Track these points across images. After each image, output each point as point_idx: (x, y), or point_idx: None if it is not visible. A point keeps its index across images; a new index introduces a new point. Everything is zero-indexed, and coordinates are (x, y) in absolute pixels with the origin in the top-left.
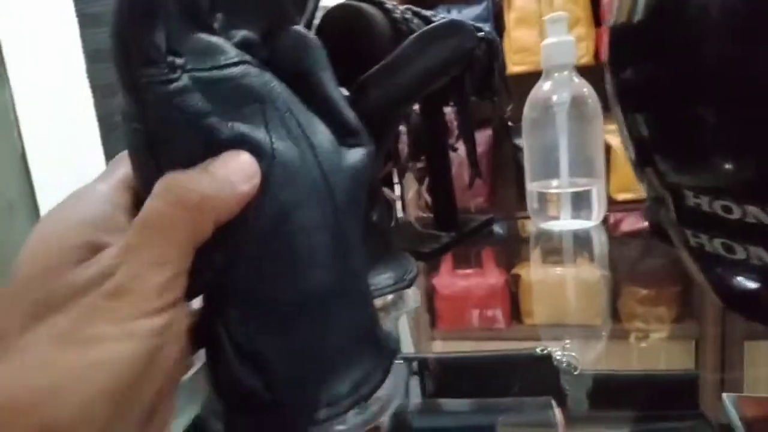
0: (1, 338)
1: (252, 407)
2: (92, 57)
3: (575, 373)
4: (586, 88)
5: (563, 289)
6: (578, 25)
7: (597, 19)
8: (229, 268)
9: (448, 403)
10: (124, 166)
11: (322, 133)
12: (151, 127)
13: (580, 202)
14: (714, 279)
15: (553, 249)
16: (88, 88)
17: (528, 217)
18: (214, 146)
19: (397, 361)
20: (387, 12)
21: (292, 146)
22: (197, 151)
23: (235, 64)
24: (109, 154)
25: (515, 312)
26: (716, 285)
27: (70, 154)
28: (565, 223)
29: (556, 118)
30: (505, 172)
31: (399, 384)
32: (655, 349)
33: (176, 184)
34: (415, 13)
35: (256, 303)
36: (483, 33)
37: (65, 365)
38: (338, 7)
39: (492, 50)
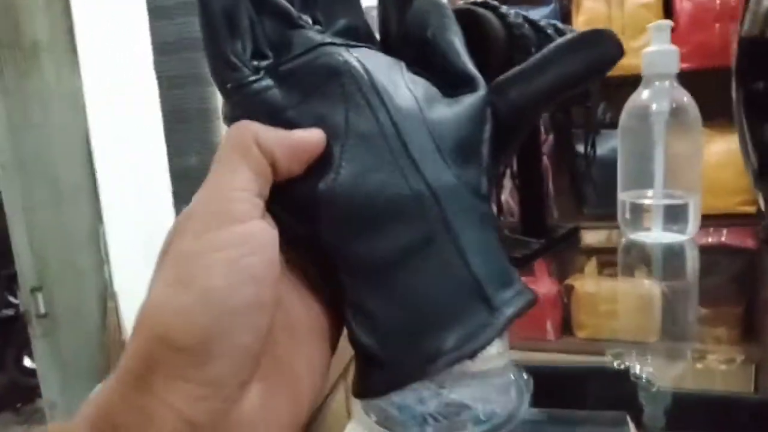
0: None
1: (371, 366)
2: (160, 49)
3: (653, 389)
4: (686, 98)
5: (618, 302)
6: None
7: None
8: (321, 234)
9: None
10: None
11: (406, 95)
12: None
13: (674, 215)
14: None
15: (637, 261)
16: (155, 79)
17: (616, 227)
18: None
19: (525, 376)
20: (502, 17)
21: (370, 115)
22: None
23: (314, 48)
24: (171, 144)
25: (566, 324)
26: None
27: (133, 143)
28: (657, 235)
29: (654, 127)
30: (563, 178)
31: (524, 398)
32: (712, 370)
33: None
34: (525, 18)
35: (356, 265)
36: None
37: (164, 287)
38: (455, 11)
39: None
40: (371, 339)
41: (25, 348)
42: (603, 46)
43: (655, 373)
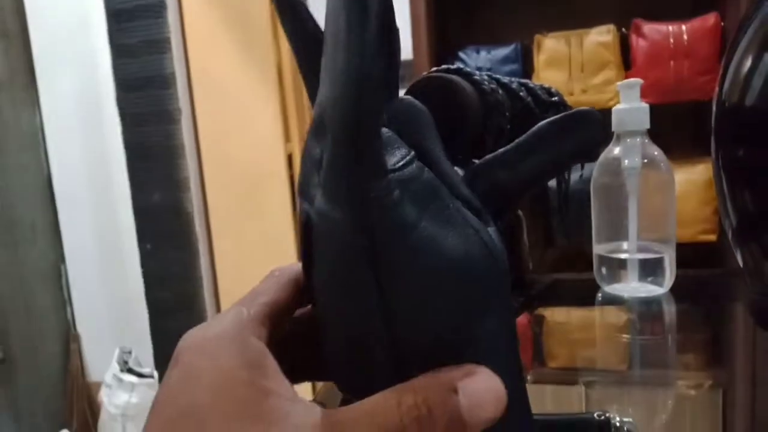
0: None
1: None
2: (123, 86)
3: None
4: (657, 152)
5: (588, 331)
6: (607, 68)
7: (626, 63)
8: None
9: None
10: (268, 294)
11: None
12: (377, 242)
13: (650, 269)
14: None
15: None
16: (117, 117)
17: (590, 279)
18: (431, 256)
19: None
20: (476, 84)
21: (471, 237)
22: (414, 260)
23: (411, 160)
24: (134, 181)
25: (538, 354)
26: None
27: (95, 180)
28: (633, 289)
29: (627, 182)
30: (534, 215)
31: None
32: (682, 396)
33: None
34: (498, 82)
35: None
36: (556, 99)
37: None
38: (428, 79)
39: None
40: None
41: None
42: (588, 128)
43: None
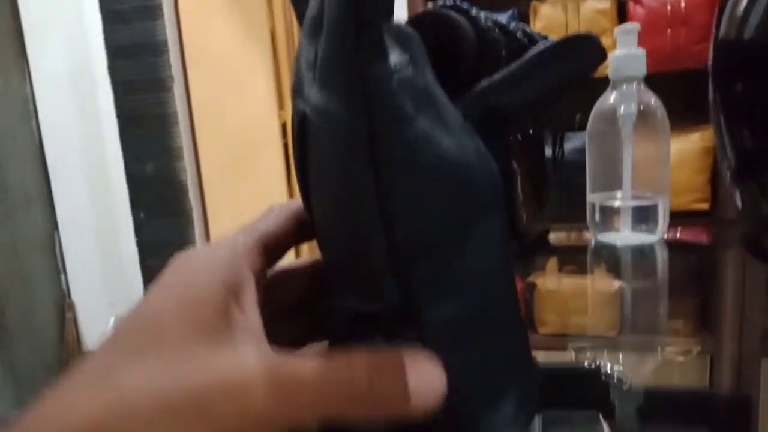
0: None
1: None
2: (115, 53)
3: (625, 387)
4: (653, 99)
5: (579, 298)
6: (604, 35)
7: None
8: None
9: None
10: (267, 226)
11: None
12: (374, 133)
13: (644, 216)
14: None
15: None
16: (109, 84)
17: (579, 228)
18: (427, 153)
19: None
20: (473, 20)
21: (467, 142)
22: (411, 156)
23: (407, 63)
24: (127, 150)
25: (529, 321)
26: None
27: (88, 149)
28: (626, 236)
29: (622, 130)
30: (526, 180)
31: None
32: (670, 362)
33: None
34: (494, 22)
35: None
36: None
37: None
38: (424, 15)
39: None
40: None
41: None
42: (588, 51)
43: (626, 370)
